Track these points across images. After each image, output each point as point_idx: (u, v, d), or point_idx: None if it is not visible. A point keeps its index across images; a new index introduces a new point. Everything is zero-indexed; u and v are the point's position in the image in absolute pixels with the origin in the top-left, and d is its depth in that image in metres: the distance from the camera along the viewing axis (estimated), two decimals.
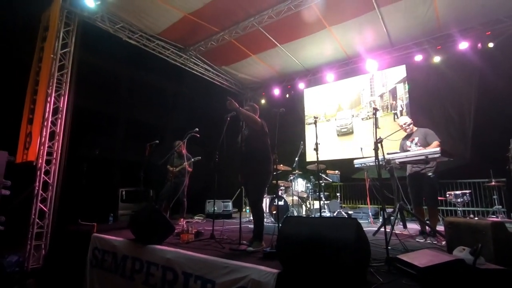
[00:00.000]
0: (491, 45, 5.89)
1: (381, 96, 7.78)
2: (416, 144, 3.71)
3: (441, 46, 6.37)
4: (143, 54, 6.99)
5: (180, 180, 5.27)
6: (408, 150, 3.70)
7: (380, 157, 3.55)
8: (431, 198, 3.55)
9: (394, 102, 7.51)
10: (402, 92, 7.40)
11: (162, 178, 5.54)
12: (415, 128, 3.87)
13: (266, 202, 6.04)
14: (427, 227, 3.50)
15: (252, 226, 4.88)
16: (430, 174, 3.52)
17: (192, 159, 5.53)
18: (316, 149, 3.17)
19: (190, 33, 6.78)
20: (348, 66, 7.78)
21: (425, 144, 3.61)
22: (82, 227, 4.38)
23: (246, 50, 7.43)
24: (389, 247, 2.42)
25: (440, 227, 3.70)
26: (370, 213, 5.24)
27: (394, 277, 2.06)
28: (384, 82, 7.76)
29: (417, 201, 3.65)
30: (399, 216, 3.58)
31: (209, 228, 4.74)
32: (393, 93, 7.57)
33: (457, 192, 4.78)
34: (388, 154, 3.48)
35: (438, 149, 3.08)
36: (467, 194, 4.73)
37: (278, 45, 7.10)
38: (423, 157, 3.15)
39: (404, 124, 3.86)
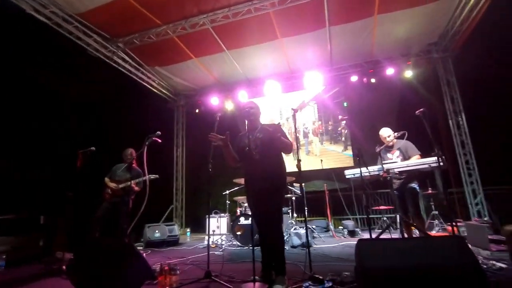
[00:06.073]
0: (409, 74, 6.93)
1: (287, 119, 8.19)
2: (398, 157, 3.74)
3: (373, 69, 7.16)
4: (52, 36, 5.37)
5: (123, 200, 3.89)
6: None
7: (378, 167, 3.48)
8: (416, 208, 3.59)
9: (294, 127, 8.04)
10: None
11: (92, 196, 4.09)
12: (395, 140, 3.91)
13: (226, 221, 5.26)
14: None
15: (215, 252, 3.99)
16: (414, 185, 3.59)
17: (146, 177, 3.62)
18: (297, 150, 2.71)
19: (124, 21, 5.61)
20: (289, 81, 7.89)
21: (406, 156, 3.67)
22: None
23: (188, 51, 6.65)
24: None
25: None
26: (332, 226, 5.14)
27: None
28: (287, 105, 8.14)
29: (406, 212, 3.62)
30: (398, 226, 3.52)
31: (170, 261, 3.65)
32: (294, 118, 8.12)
33: None
34: (384, 163, 3.41)
35: (435, 158, 3.10)
36: None
37: (225, 50, 6.61)
38: (426, 166, 3.17)
39: (388, 136, 3.87)
